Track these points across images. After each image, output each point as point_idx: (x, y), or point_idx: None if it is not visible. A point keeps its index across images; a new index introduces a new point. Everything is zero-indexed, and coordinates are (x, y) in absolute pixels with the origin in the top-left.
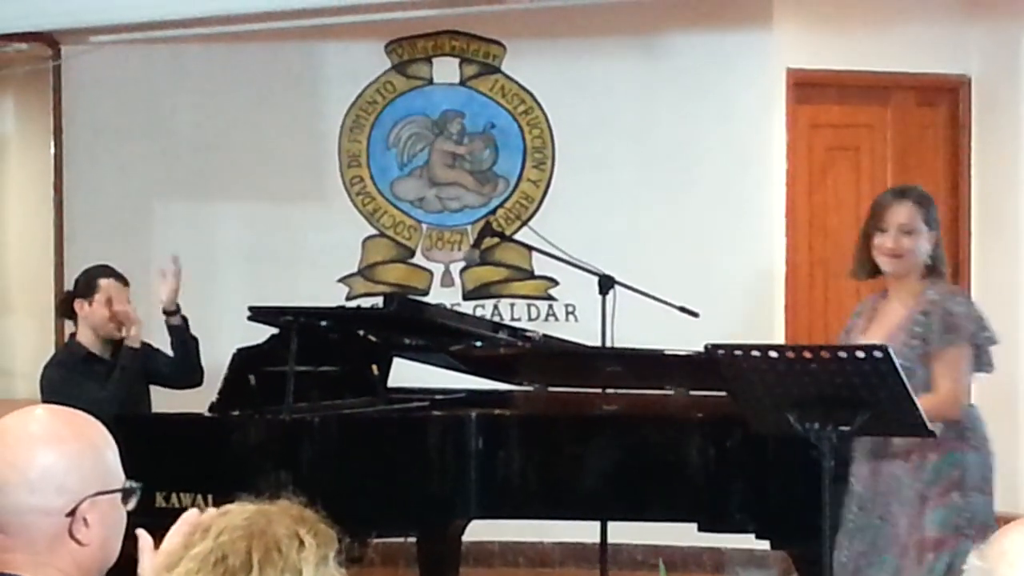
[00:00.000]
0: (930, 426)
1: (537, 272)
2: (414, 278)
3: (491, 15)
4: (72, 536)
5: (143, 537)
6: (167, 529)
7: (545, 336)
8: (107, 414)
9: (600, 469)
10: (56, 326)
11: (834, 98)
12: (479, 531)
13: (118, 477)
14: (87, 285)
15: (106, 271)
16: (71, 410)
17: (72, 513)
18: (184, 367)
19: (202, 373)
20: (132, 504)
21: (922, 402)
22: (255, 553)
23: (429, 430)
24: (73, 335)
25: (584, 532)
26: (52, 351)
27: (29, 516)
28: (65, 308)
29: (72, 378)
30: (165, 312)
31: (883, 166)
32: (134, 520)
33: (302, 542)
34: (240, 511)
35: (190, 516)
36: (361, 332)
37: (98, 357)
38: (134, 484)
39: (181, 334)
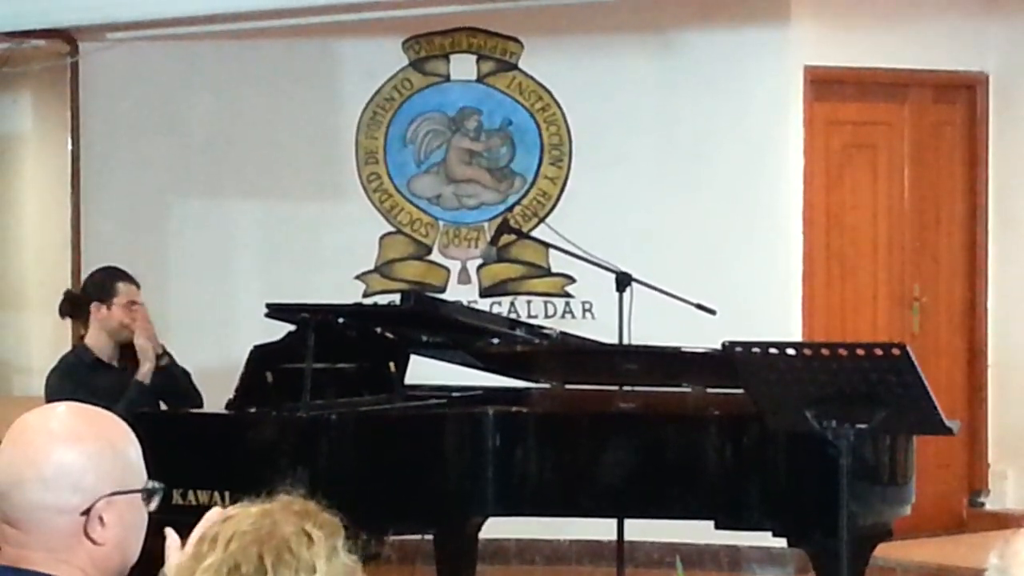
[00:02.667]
0: (948, 424)
1: (554, 269)
2: (431, 275)
3: (508, 12)
4: (87, 535)
5: (171, 536)
6: (184, 526)
7: (562, 333)
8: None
9: (617, 467)
10: (72, 323)
11: (851, 95)
12: (496, 528)
13: (139, 477)
14: (104, 288)
15: (121, 274)
16: (95, 409)
17: (87, 512)
18: (178, 401)
19: (200, 399)
20: (154, 505)
21: None
22: (267, 558)
23: (446, 427)
24: (82, 338)
25: (601, 530)
26: (68, 348)
27: (44, 513)
28: (70, 308)
29: (76, 391)
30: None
31: (900, 163)
32: (151, 517)
33: (310, 537)
34: (244, 516)
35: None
36: (378, 329)
37: (105, 364)
38: (156, 485)
39: (169, 371)
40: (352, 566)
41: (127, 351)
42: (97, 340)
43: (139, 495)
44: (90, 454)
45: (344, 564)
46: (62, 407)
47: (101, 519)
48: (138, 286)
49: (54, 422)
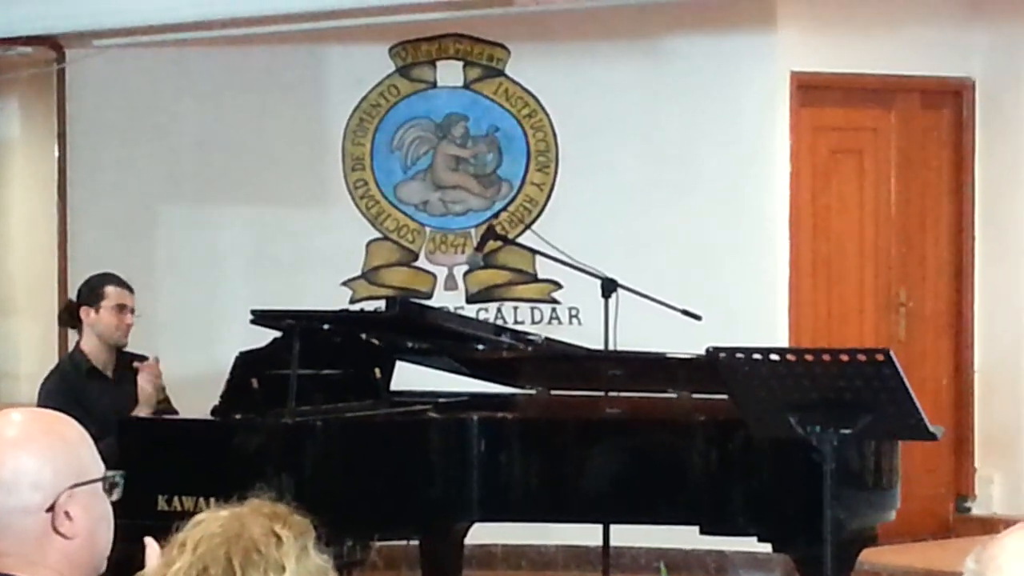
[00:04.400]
0: (932, 429)
1: (540, 275)
2: (417, 281)
3: (495, 18)
4: (56, 531)
5: (151, 545)
6: (169, 532)
7: (548, 339)
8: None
9: (603, 472)
10: (59, 329)
11: (838, 101)
12: (481, 534)
13: (97, 469)
14: (93, 292)
15: (112, 278)
16: (43, 410)
17: (52, 508)
18: None
19: None
20: (116, 495)
21: None
22: (235, 558)
23: (432, 433)
24: (77, 344)
25: (586, 535)
26: (55, 354)
27: (10, 517)
28: (68, 317)
29: (68, 405)
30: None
31: (887, 169)
32: (136, 524)
33: (279, 538)
34: (213, 519)
35: None
36: (364, 335)
37: (100, 373)
38: (115, 473)
39: (166, 412)
40: (324, 566)
41: (122, 362)
42: (91, 345)
43: (100, 486)
44: (41, 450)
45: (316, 564)
46: (15, 413)
47: (67, 513)
48: (131, 291)
49: (7, 429)
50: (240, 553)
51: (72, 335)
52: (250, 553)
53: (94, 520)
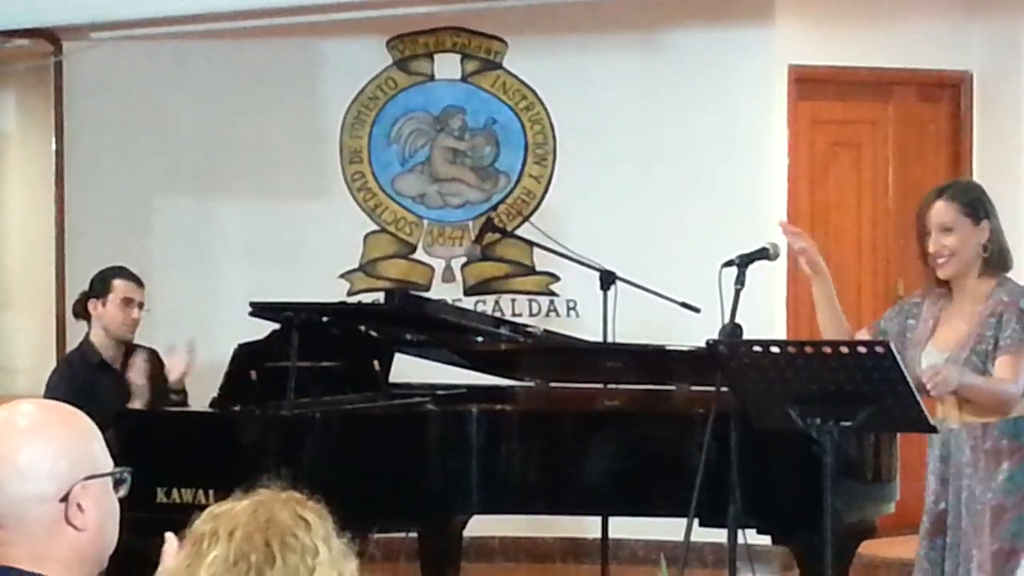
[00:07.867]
0: (932, 421)
1: (538, 268)
2: (415, 274)
3: (492, 11)
4: (69, 522)
5: (170, 541)
6: (167, 525)
7: (546, 331)
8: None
9: (601, 465)
10: (57, 322)
11: (836, 94)
12: (480, 526)
13: (107, 464)
14: (101, 285)
15: (121, 272)
16: (54, 402)
17: (66, 498)
18: None
19: None
20: (123, 491)
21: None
22: (273, 543)
23: (430, 426)
24: (87, 336)
25: (585, 528)
26: (53, 347)
27: (23, 505)
28: (80, 309)
29: (74, 394)
30: (171, 389)
31: (885, 162)
32: (135, 516)
33: (307, 521)
34: (237, 508)
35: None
36: (362, 328)
37: (108, 365)
38: (124, 470)
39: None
40: (347, 548)
41: (130, 354)
42: (99, 337)
43: (110, 481)
44: (58, 440)
45: (340, 547)
46: (25, 404)
47: (80, 505)
48: (140, 285)
49: (20, 418)
50: (277, 538)
51: (71, 328)
52: (286, 537)
53: (104, 514)
